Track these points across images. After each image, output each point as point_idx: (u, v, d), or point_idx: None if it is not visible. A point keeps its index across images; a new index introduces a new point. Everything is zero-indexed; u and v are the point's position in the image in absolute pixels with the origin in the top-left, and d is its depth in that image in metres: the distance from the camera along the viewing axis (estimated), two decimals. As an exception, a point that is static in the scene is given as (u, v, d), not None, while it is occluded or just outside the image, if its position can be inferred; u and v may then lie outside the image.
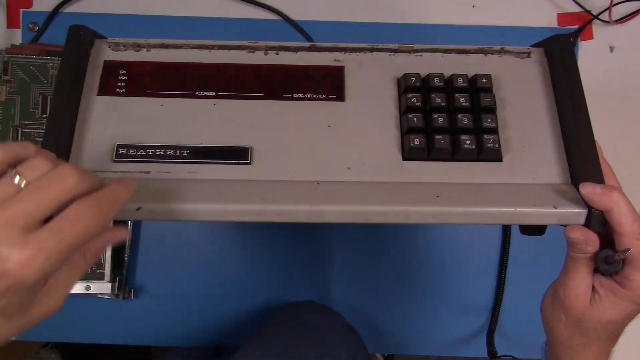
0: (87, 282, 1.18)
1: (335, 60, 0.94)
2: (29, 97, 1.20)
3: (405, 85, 0.90)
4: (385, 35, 1.28)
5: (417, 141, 0.86)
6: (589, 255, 0.83)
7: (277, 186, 0.84)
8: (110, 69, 0.91)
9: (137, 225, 1.25)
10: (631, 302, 0.83)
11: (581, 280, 0.85)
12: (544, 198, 0.84)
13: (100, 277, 1.19)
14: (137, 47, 0.94)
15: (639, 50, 1.29)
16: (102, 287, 1.19)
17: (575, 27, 1.29)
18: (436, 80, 0.90)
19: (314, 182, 0.85)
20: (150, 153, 0.86)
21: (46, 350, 1.42)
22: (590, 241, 0.81)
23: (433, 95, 0.89)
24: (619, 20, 1.28)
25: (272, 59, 0.94)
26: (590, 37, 1.29)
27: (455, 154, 0.87)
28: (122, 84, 0.90)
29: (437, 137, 0.86)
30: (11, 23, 1.27)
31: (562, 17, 1.29)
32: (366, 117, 0.90)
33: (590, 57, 1.28)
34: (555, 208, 0.82)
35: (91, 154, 0.85)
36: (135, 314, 1.23)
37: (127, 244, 1.21)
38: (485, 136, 0.86)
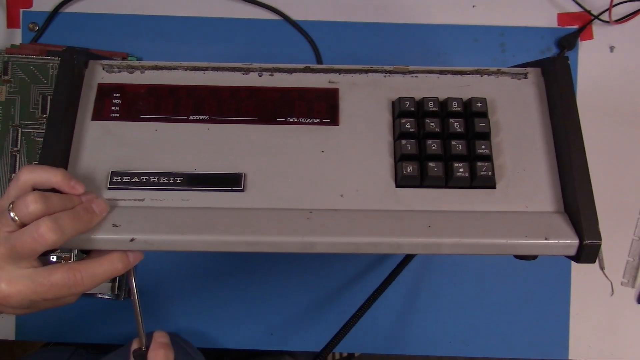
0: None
1: (330, 82, 0.93)
2: (29, 97, 1.20)
3: (400, 110, 0.90)
4: (385, 35, 1.28)
5: (410, 169, 0.86)
6: None
7: (270, 215, 0.84)
8: (105, 92, 0.91)
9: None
10: None
11: None
12: (536, 228, 0.84)
13: (100, 277, 1.20)
14: (131, 68, 0.94)
15: (639, 50, 1.28)
16: (102, 287, 1.20)
17: (576, 27, 1.28)
18: (430, 104, 0.90)
19: (307, 211, 0.85)
20: (144, 180, 0.86)
21: (48, 349, 1.43)
22: None
23: (427, 121, 0.89)
24: (619, 20, 1.27)
25: (267, 80, 0.94)
26: (590, 37, 1.28)
27: (448, 181, 0.87)
28: (116, 107, 0.90)
29: (431, 164, 0.86)
30: (11, 23, 1.26)
31: (562, 17, 1.28)
32: (360, 142, 0.90)
33: (590, 57, 1.28)
34: (547, 240, 0.82)
35: (86, 181, 0.85)
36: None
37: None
38: (479, 163, 0.86)
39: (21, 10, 1.27)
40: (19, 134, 1.19)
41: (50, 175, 0.80)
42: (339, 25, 1.28)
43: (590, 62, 1.28)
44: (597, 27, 1.29)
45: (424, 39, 1.28)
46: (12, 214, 0.75)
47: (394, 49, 1.20)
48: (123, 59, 1.19)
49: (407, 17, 1.28)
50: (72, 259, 1.16)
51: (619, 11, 1.28)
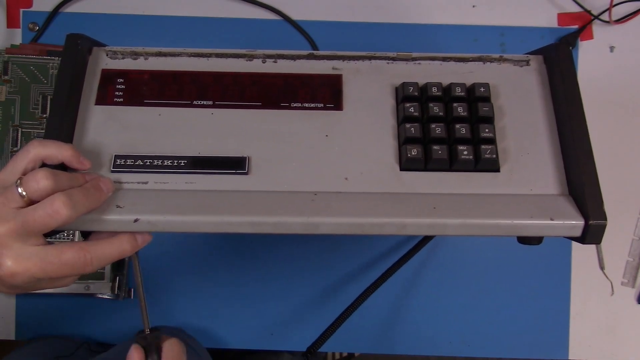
0: (87, 282, 1.18)
1: (333, 68, 0.93)
2: (29, 97, 1.20)
3: (403, 95, 0.90)
4: (385, 35, 1.28)
5: (414, 152, 0.86)
6: None
7: (274, 197, 0.84)
8: (108, 78, 0.91)
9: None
10: None
11: None
12: (541, 210, 0.83)
13: (100, 277, 1.20)
14: (135, 55, 0.94)
15: (639, 50, 1.29)
16: (102, 287, 1.19)
17: (576, 27, 1.28)
18: (434, 89, 0.90)
19: (311, 193, 0.85)
20: (148, 163, 0.86)
21: (40, 343, 1.42)
22: None
23: (431, 105, 0.89)
24: (619, 20, 1.28)
25: (270, 67, 0.94)
26: (591, 37, 1.29)
27: (452, 164, 0.86)
28: (120, 93, 0.90)
29: (435, 147, 0.86)
30: (11, 23, 1.27)
31: (562, 17, 1.29)
32: (364, 126, 0.89)
33: (590, 57, 1.28)
34: (552, 220, 0.82)
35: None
36: (135, 314, 1.23)
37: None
38: (483, 146, 0.86)
39: (21, 10, 1.27)
40: (19, 134, 1.19)
41: (60, 150, 0.80)
42: (339, 25, 1.28)
43: (590, 62, 1.28)
44: (597, 27, 1.29)
45: (424, 39, 1.28)
46: (20, 190, 0.74)
47: (394, 48, 1.20)
48: (123, 58, 1.19)
49: (407, 17, 1.29)
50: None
51: (619, 11, 1.29)
